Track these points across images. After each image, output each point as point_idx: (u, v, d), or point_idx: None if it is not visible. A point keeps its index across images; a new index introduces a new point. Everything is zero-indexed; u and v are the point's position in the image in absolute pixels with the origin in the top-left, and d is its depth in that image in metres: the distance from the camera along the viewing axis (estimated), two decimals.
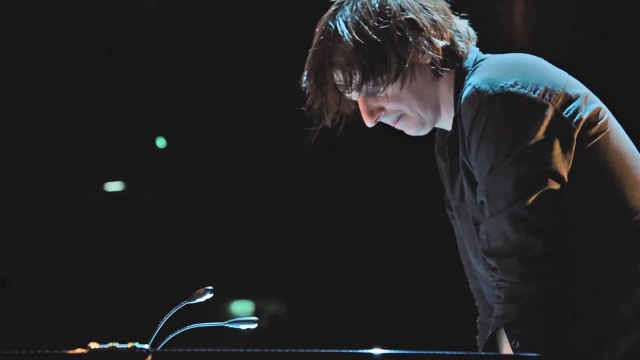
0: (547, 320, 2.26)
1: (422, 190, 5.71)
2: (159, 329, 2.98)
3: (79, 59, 5.96)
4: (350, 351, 1.86)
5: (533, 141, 2.27)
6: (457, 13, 2.57)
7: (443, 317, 5.46)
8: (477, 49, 2.55)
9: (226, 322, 2.98)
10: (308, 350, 1.85)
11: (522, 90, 2.30)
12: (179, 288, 6.07)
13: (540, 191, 2.26)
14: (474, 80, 2.35)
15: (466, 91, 2.35)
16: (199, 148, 6.25)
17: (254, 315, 6.19)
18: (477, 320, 2.78)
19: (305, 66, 2.53)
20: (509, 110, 2.29)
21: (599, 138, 2.32)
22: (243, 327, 2.97)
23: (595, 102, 2.37)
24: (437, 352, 1.84)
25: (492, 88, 2.31)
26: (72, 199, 6.21)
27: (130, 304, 6.17)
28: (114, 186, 6.35)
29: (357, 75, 2.45)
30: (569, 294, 2.29)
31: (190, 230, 6.26)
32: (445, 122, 2.55)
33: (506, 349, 2.28)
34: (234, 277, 6.24)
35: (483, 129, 2.30)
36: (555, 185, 2.27)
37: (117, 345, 2.50)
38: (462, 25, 2.53)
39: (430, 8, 2.46)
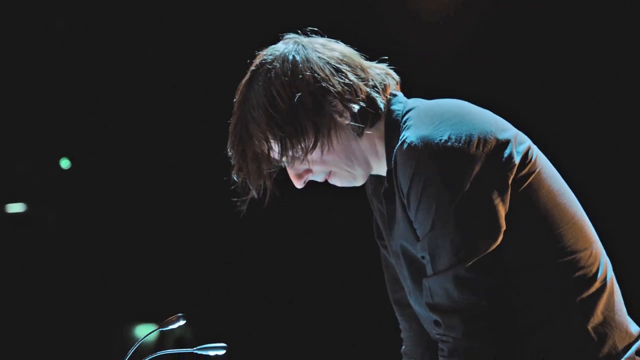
0: None
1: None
2: (129, 355, 2.97)
3: None
4: None
5: (470, 196, 2.28)
6: (376, 60, 2.54)
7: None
8: (402, 95, 2.52)
9: (195, 348, 2.99)
10: None
11: (457, 144, 2.28)
12: (82, 311, 6.05)
13: (482, 251, 2.27)
14: (408, 137, 2.33)
15: (402, 148, 2.33)
16: (103, 169, 6.22)
17: (158, 340, 6.20)
18: (402, 350, 2.80)
19: (229, 136, 2.48)
20: (445, 167, 2.29)
21: (531, 179, 2.34)
22: (212, 353, 2.97)
23: (525, 142, 2.38)
24: None
25: (427, 146, 2.29)
26: None
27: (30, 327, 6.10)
28: (15, 207, 6.27)
29: (276, 146, 2.43)
30: (510, 340, 2.33)
31: (92, 252, 6.21)
32: (378, 170, 2.54)
33: None
34: (136, 301, 6.22)
35: (422, 188, 2.29)
36: (496, 241, 2.28)
37: None
38: (380, 74, 2.50)
39: (344, 69, 2.44)
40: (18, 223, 6.23)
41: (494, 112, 2.46)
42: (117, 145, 6.14)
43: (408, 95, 2.54)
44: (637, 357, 2.38)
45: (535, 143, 2.45)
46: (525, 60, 5.36)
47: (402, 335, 2.78)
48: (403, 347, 2.78)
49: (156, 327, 3.02)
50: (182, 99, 5.98)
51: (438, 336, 2.35)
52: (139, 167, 6.20)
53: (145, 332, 6.33)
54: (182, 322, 2.96)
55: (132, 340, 6.37)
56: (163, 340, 6.11)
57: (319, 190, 2.65)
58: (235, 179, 2.47)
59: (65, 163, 6.21)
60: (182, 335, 6.13)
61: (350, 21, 5.23)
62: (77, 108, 6.05)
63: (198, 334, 6.05)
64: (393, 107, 2.47)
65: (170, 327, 2.97)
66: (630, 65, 5.33)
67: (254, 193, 2.47)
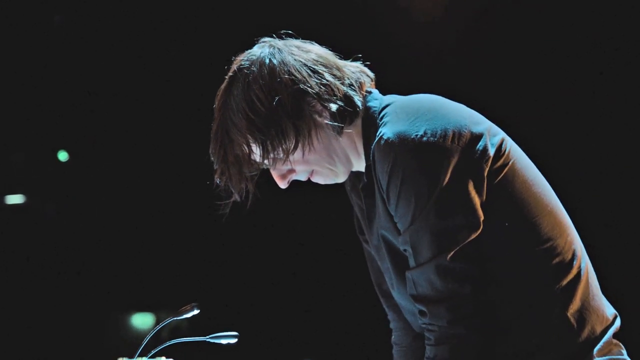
0: (477, 356, 2.36)
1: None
2: (144, 342, 3.04)
3: None
4: None
5: (448, 189, 2.32)
6: (350, 58, 2.59)
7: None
8: (377, 92, 2.57)
9: (207, 337, 3.06)
10: None
11: (432, 139, 2.32)
12: (79, 301, 6.12)
13: (463, 241, 2.33)
14: (385, 133, 2.37)
15: (379, 143, 2.37)
16: (100, 161, 6.28)
17: (155, 327, 6.25)
18: (392, 340, 2.86)
19: (210, 142, 2.53)
20: (422, 161, 2.33)
21: (506, 170, 2.39)
22: (224, 341, 3.04)
23: (498, 134, 2.43)
24: None
25: (403, 142, 2.33)
26: None
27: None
28: (14, 199, 6.32)
29: (257, 149, 2.46)
30: (493, 328, 2.40)
31: (90, 242, 6.27)
32: (359, 167, 2.59)
33: None
34: (134, 289, 6.28)
35: (400, 182, 2.34)
36: (476, 231, 2.34)
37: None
38: (355, 72, 2.55)
39: (320, 70, 2.48)
40: (17, 214, 6.28)
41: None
42: (117, 137, 6.19)
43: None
44: (614, 340, 2.46)
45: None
46: (513, 58, 5.45)
47: (391, 325, 2.84)
48: (393, 337, 2.84)
49: (171, 316, 3.08)
50: (181, 94, 6.04)
51: (424, 326, 2.41)
52: (140, 159, 6.24)
53: (142, 321, 6.42)
54: (196, 312, 3.02)
55: (129, 328, 6.44)
56: (160, 329, 6.10)
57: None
58: (218, 182, 2.52)
59: (63, 155, 6.27)
60: (178, 325, 6.19)
61: (342, 20, 5.32)
62: (76, 101, 6.10)
63: (195, 323, 6.10)
64: (370, 104, 2.51)
65: (185, 316, 3.03)
66: (616, 63, 5.44)
67: (236, 196, 2.52)
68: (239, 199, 2.53)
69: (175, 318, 3.05)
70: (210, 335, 3.06)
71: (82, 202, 6.31)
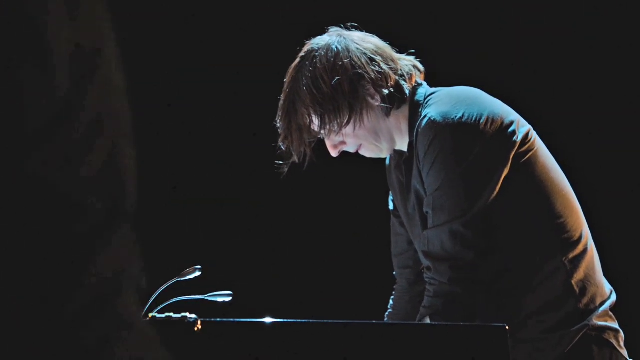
0: (465, 316, 2.68)
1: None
2: (151, 300, 3.32)
3: None
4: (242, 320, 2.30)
5: (476, 165, 2.72)
6: (405, 52, 3.02)
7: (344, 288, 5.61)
8: (425, 83, 2.98)
9: (205, 295, 3.36)
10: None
11: (469, 121, 2.74)
12: None
13: (477, 211, 2.70)
14: (429, 113, 2.78)
15: (423, 122, 2.79)
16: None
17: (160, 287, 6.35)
18: (392, 298, 3.24)
19: (278, 110, 2.96)
20: (458, 139, 2.74)
21: (529, 155, 2.79)
22: (220, 299, 3.34)
23: (526, 126, 2.84)
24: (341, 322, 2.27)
25: (444, 120, 2.75)
26: None
27: None
28: None
29: (316, 120, 2.89)
30: (498, 291, 2.75)
31: None
32: (401, 145, 2.99)
33: None
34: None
35: (437, 153, 2.73)
36: (490, 203, 2.73)
37: (172, 315, 2.94)
38: (407, 65, 2.97)
39: (378, 60, 2.89)
40: None
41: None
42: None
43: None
44: (610, 312, 2.85)
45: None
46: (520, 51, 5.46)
47: (395, 287, 3.27)
48: (392, 295, 3.26)
49: (175, 278, 3.36)
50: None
51: (427, 279, 2.81)
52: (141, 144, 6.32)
53: None
54: (198, 273, 3.31)
55: None
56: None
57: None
58: (281, 146, 2.97)
59: None
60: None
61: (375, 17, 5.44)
62: None
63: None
64: (417, 92, 2.94)
65: (188, 277, 3.32)
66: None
67: (295, 158, 2.96)
68: (297, 161, 2.96)
69: (179, 279, 3.32)
70: (208, 294, 3.35)
71: None
